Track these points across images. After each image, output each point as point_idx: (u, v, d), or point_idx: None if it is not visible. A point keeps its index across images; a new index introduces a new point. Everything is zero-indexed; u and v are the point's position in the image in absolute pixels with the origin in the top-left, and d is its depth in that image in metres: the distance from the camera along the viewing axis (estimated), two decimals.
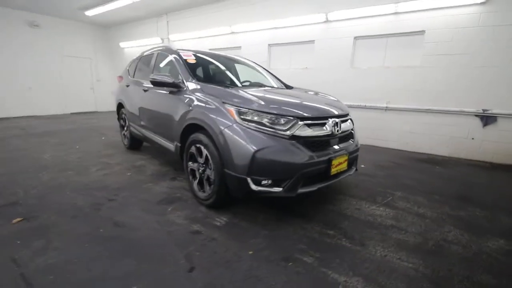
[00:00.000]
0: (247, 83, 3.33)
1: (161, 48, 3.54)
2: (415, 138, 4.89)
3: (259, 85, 3.29)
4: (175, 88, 2.75)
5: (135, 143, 4.34)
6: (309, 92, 2.95)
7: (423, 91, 4.68)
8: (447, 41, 4.38)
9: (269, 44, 6.37)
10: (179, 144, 2.70)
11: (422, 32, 4.59)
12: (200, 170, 2.41)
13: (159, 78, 2.70)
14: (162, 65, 3.38)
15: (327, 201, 2.67)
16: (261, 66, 3.93)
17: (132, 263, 1.65)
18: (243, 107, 2.06)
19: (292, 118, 2.06)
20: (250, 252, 1.80)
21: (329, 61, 5.58)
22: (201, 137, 2.29)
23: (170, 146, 2.91)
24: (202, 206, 2.45)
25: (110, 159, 3.87)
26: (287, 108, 2.12)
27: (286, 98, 2.42)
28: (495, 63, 4.08)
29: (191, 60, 3.02)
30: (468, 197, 2.86)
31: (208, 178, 2.34)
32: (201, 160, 2.37)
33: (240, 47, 6.83)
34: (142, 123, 3.59)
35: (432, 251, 1.91)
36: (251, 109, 2.04)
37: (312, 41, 5.74)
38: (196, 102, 2.39)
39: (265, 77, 3.63)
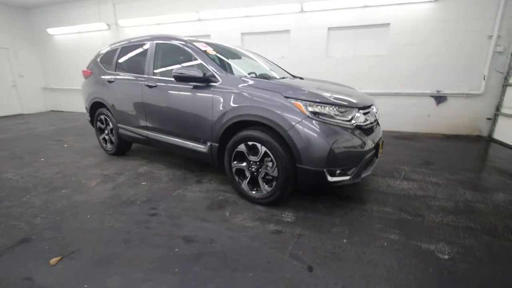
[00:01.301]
0: (253, 75, 3.24)
1: (157, 36, 3.10)
2: (385, 118, 5.56)
3: (268, 76, 3.21)
4: (204, 83, 2.50)
5: (123, 148, 3.77)
6: (340, 85, 3.08)
7: (391, 77, 5.35)
8: (408, 33, 5.06)
9: (242, 33, 6.21)
10: (216, 145, 2.50)
11: (387, 24, 5.18)
12: (253, 169, 2.31)
13: (188, 72, 2.41)
14: (167, 56, 2.98)
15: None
16: (262, 57, 3.85)
17: (248, 276, 1.53)
18: (310, 101, 2.04)
19: (353, 108, 2.15)
20: (345, 241, 1.86)
21: (305, 51, 5.80)
22: (258, 134, 2.17)
23: (200, 147, 2.66)
24: (257, 205, 2.36)
25: (101, 170, 3.29)
26: (346, 99, 2.19)
27: (332, 89, 2.47)
28: (444, 51, 4.93)
29: (210, 51, 2.77)
30: (452, 164, 3.49)
31: (265, 176, 2.26)
32: (255, 158, 2.26)
33: (209, 35, 6.45)
34: (145, 124, 3.14)
35: (467, 210, 2.32)
36: (318, 102, 2.04)
37: (287, 31, 5.84)
38: (248, 98, 2.23)
39: (269, 68, 3.57)
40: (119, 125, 3.50)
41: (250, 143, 2.25)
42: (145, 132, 3.19)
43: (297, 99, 2.06)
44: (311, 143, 1.96)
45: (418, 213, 2.27)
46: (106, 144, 3.88)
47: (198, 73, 2.43)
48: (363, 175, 2.21)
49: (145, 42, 3.18)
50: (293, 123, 2.00)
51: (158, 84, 2.88)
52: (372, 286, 1.46)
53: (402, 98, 5.37)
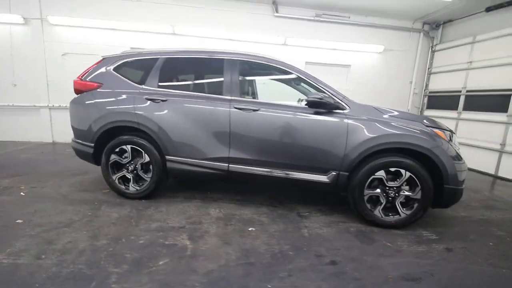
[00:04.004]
0: None
1: (241, 53, 2.74)
2: None
3: None
4: (332, 109, 2.44)
5: (158, 188, 2.82)
6: None
7: None
8: (363, 74, 6.48)
9: None
10: (345, 173, 2.43)
11: (349, 65, 6.45)
12: (391, 194, 2.39)
13: (326, 99, 2.31)
14: (259, 77, 2.64)
15: None
16: None
17: None
18: (442, 129, 2.41)
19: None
20: (491, 244, 2.27)
21: None
22: (405, 160, 2.32)
23: (320, 178, 2.47)
24: (392, 229, 2.43)
25: (161, 222, 2.34)
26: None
27: None
28: (385, 90, 6.60)
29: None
30: None
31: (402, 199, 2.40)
32: (395, 184, 2.37)
33: None
34: (226, 155, 2.55)
35: (492, 207, 3.26)
36: (442, 129, 2.45)
37: None
38: (398, 126, 2.36)
39: None
40: (168, 157, 2.64)
41: (392, 169, 2.35)
42: (223, 165, 2.58)
43: (437, 128, 2.39)
44: (457, 165, 2.31)
45: (482, 213, 3.01)
46: (125, 185, 2.77)
47: (332, 100, 2.37)
48: None
49: (218, 57, 2.68)
50: (444, 149, 2.30)
51: (262, 108, 2.48)
52: None
53: None
